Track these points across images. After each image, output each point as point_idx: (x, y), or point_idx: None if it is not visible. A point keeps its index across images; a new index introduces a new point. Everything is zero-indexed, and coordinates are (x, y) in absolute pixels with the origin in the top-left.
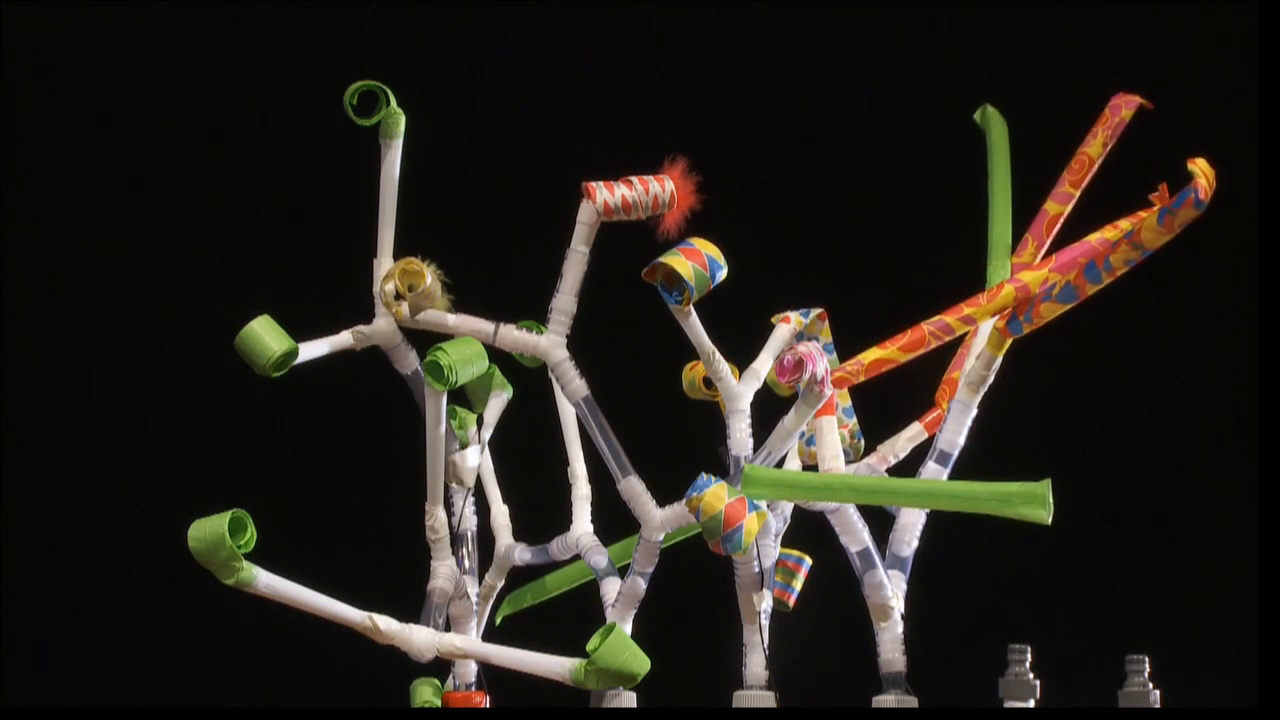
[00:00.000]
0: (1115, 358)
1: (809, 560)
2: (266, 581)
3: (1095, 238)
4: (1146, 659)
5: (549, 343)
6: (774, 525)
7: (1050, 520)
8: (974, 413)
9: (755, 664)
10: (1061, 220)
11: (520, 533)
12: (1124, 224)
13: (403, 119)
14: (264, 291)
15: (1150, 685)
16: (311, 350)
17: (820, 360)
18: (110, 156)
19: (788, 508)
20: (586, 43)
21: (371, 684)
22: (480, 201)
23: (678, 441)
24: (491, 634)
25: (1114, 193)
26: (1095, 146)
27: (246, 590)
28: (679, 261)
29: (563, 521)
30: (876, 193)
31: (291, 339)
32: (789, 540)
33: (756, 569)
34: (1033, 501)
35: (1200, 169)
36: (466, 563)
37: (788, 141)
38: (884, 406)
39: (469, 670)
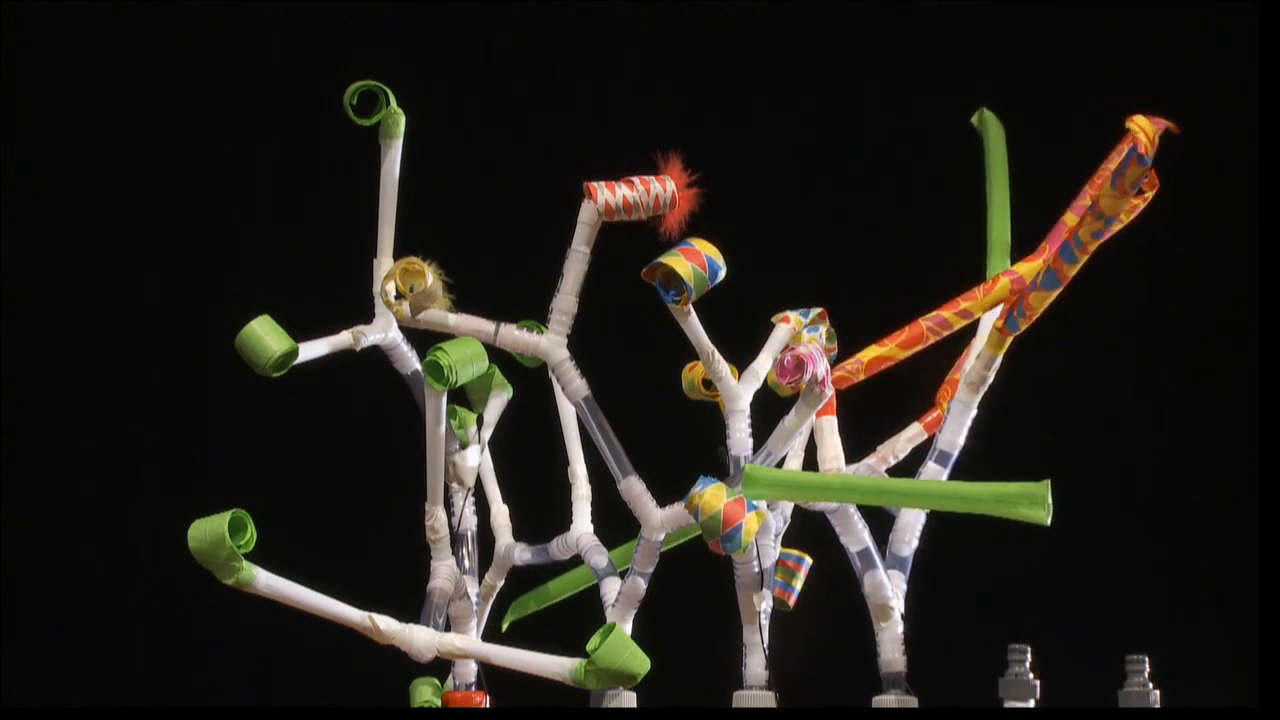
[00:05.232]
0: (1115, 357)
1: (809, 560)
2: (266, 581)
3: (1067, 216)
4: (1146, 659)
5: (550, 343)
6: (774, 525)
7: (1050, 521)
8: (974, 413)
9: (755, 664)
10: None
11: (520, 533)
12: (1084, 199)
13: (402, 119)
14: (264, 291)
15: (1150, 685)
16: (311, 350)
17: (820, 360)
18: (110, 156)
19: (788, 508)
20: (587, 42)
21: (371, 684)
22: (480, 201)
23: (678, 441)
24: (491, 634)
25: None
26: (1117, 163)
27: (246, 590)
28: (678, 261)
29: (563, 521)
30: (877, 192)
31: (291, 339)
32: (789, 540)
33: (756, 569)
34: (1033, 503)
35: (1138, 125)
36: (466, 563)
37: (788, 141)
38: (884, 407)
39: (469, 670)
